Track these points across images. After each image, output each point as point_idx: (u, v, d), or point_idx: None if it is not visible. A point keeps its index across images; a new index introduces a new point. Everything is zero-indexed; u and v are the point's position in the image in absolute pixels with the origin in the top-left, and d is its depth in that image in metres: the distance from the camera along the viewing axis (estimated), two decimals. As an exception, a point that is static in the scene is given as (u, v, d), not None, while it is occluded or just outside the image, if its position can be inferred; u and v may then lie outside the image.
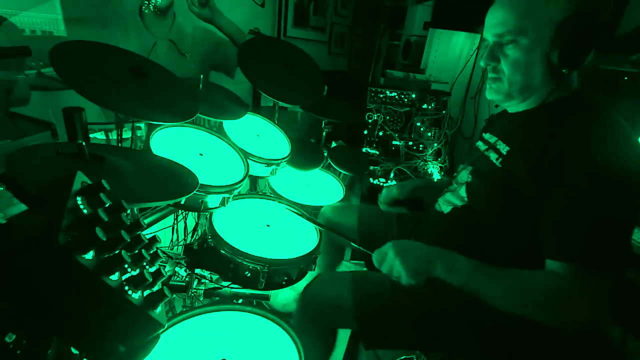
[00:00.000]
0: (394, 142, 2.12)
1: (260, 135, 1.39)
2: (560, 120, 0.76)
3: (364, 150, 2.13)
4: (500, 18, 0.78)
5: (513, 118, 0.89)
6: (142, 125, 1.26)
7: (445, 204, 0.95)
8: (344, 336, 1.42)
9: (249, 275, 0.97)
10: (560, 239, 0.70)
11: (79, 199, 0.46)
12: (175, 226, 1.36)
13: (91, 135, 1.14)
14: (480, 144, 0.98)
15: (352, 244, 0.95)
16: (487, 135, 0.96)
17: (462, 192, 0.90)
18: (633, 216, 0.71)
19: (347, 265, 1.87)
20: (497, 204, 0.82)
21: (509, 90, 0.83)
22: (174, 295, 1.22)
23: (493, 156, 0.86)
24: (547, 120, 0.79)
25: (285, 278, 1.03)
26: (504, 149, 0.84)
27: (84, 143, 0.67)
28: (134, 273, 0.46)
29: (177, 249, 1.40)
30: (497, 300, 0.73)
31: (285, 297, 1.52)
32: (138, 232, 0.47)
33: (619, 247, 0.68)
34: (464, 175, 0.94)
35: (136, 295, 0.45)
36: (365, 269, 1.62)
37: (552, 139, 0.73)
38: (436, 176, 2.12)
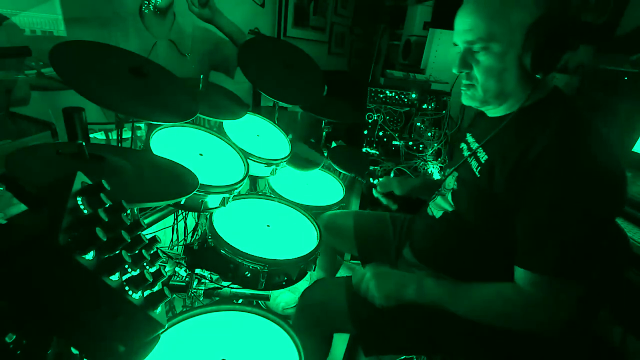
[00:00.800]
0: (394, 142, 2.12)
1: (260, 135, 1.39)
2: (537, 125, 0.74)
3: (364, 150, 2.13)
4: (469, 24, 0.75)
5: (492, 122, 0.87)
6: (142, 125, 1.26)
7: (436, 208, 0.95)
8: (342, 338, 1.42)
9: (249, 275, 0.97)
10: (533, 250, 0.70)
11: (79, 199, 0.46)
12: (175, 226, 1.36)
13: (91, 135, 1.14)
14: (464, 146, 0.97)
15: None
16: (470, 138, 0.95)
17: (450, 198, 0.91)
18: (607, 220, 0.71)
19: (347, 265, 1.87)
20: (481, 212, 0.82)
21: (484, 97, 0.81)
22: (174, 295, 1.22)
23: (474, 164, 0.85)
24: (525, 126, 0.77)
25: (285, 278, 1.02)
26: (483, 157, 0.83)
27: (84, 143, 0.67)
28: (134, 273, 0.46)
29: (177, 249, 1.40)
30: (466, 315, 0.78)
31: (284, 300, 1.52)
32: (138, 232, 0.47)
33: (590, 256, 0.69)
34: (451, 181, 0.94)
35: (136, 296, 0.45)
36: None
37: (531, 145, 0.72)
38: (436, 176, 2.12)
